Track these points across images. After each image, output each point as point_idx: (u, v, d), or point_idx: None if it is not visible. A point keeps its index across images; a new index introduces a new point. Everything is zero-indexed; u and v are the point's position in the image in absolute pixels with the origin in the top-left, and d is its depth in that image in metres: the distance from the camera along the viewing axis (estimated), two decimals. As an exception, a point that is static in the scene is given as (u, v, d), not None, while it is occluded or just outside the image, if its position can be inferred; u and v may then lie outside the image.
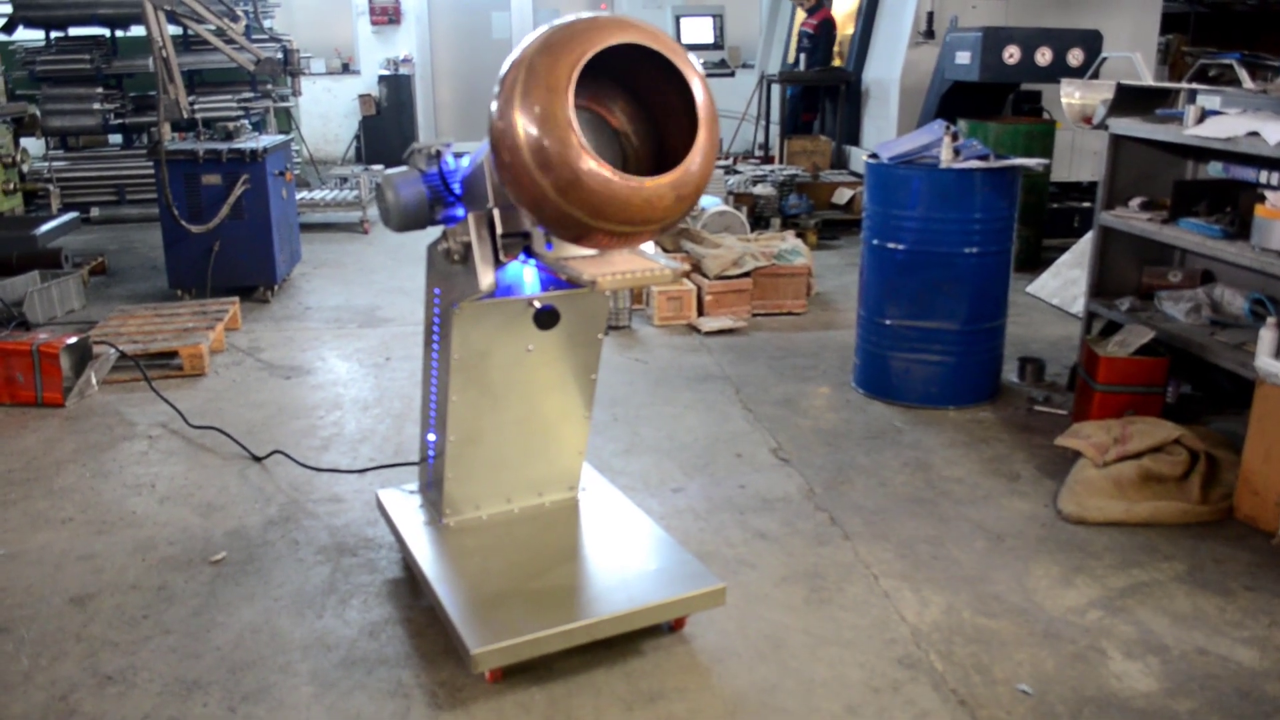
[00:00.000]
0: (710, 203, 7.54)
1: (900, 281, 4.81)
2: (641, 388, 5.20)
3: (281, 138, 7.33)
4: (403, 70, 13.85)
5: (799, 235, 8.22)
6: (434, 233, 2.87)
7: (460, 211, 2.80)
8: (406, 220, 2.81)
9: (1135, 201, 4.79)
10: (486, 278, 2.59)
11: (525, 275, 2.88)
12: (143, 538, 3.75)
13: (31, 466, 4.39)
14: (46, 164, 10.32)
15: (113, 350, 5.32)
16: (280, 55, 6.94)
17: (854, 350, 5.18)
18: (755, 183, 8.76)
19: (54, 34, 10.00)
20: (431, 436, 3.27)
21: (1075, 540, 3.61)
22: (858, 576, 3.36)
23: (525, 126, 2.16)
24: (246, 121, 7.26)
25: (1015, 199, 4.82)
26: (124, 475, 4.28)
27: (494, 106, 2.25)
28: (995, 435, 4.54)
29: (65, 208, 10.04)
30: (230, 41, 6.19)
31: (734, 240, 6.90)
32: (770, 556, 3.50)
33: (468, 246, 2.60)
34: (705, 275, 6.46)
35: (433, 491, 3.37)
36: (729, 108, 11.43)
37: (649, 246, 2.71)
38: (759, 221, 8.45)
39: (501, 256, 2.60)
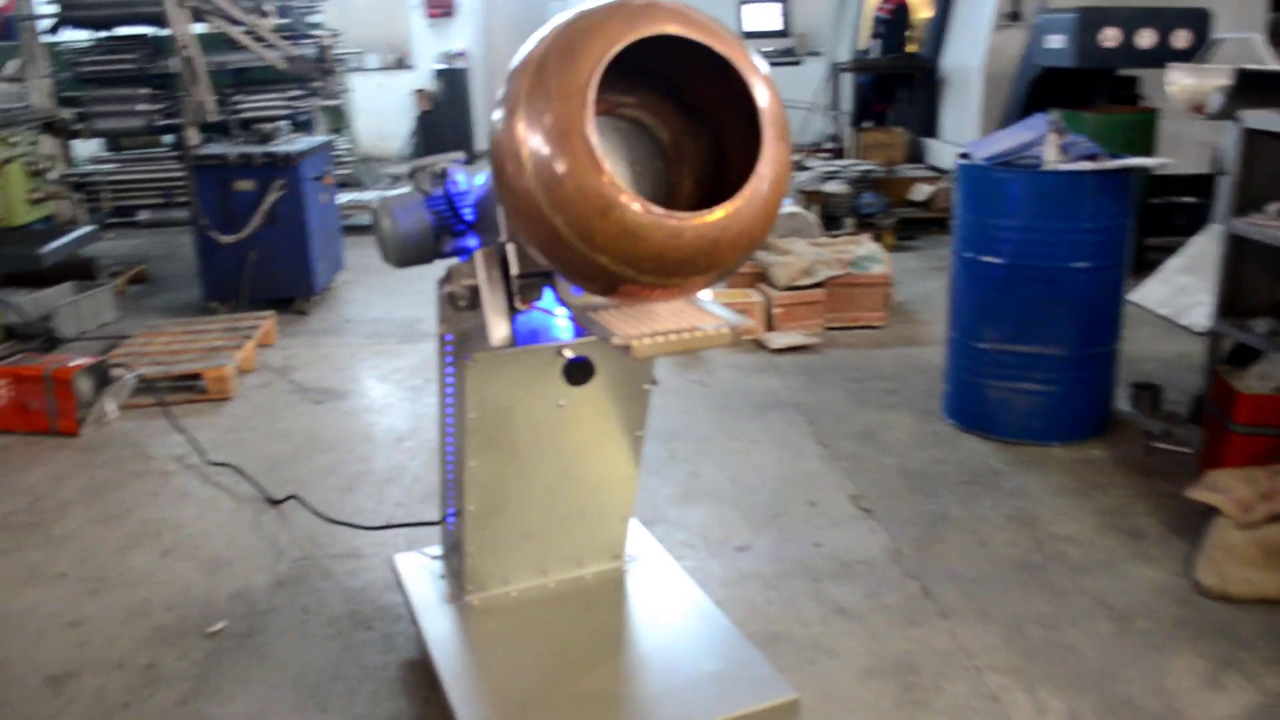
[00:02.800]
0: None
1: (997, 300, 4.22)
2: (702, 417, 4.67)
3: (321, 139, 6.93)
4: (458, 64, 13.44)
5: (875, 236, 7.62)
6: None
7: (473, 243, 2.30)
8: (406, 254, 2.32)
9: (1274, 207, 4.12)
10: (499, 330, 2.08)
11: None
12: (138, 600, 3.33)
13: (34, 508, 4.01)
14: (92, 167, 10.10)
15: (129, 375, 4.93)
16: (315, 52, 6.52)
17: (942, 375, 4.59)
18: (826, 179, 8.16)
19: (100, 34, 9.73)
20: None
21: (1220, 623, 3.00)
22: (958, 670, 2.81)
23: (532, 144, 1.65)
24: (284, 123, 6.84)
25: (1129, 205, 4.20)
26: (129, 521, 3.87)
27: (496, 117, 1.74)
28: (1110, 480, 3.93)
29: (114, 211, 9.84)
30: (260, 39, 5.77)
31: (804, 245, 6.32)
32: (852, 640, 2.95)
33: (475, 290, 2.10)
34: (773, 285, 5.90)
35: (454, 560, 2.89)
36: (795, 97, 10.81)
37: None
38: (830, 221, 7.85)
39: (518, 303, 2.09)
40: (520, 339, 2.27)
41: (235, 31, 5.59)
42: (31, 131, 6.38)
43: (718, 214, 1.68)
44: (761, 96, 1.77)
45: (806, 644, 2.94)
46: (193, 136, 5.90)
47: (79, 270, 6.86)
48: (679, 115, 2.04)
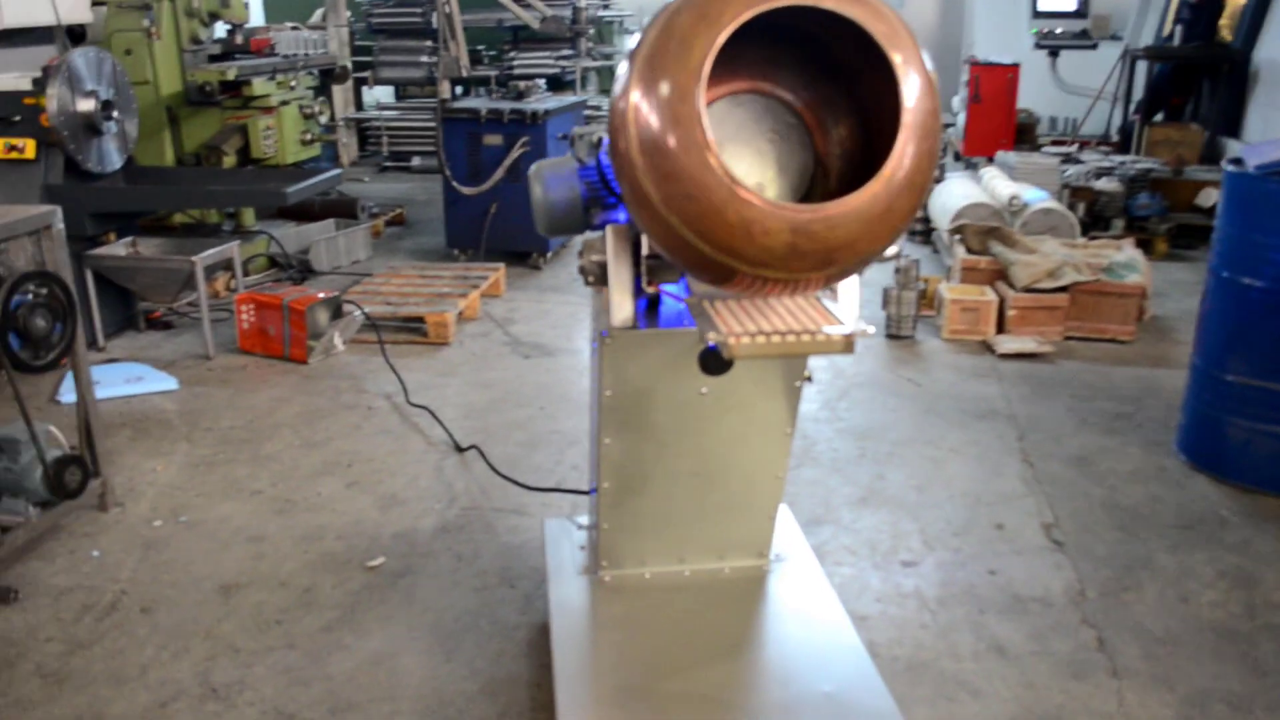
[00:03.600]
0: (1036, 197, 6.45)
1: (1254, 327, 3.70)
2: (905, 417, 4.41)
3: (573, 99, 7.05)
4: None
5: (1144, 242, 6.93)
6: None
7: (623, 216, 2.22)
8: (555, 223, 2.27)
9: None
10: (621, 310, 2.00)
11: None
12: (315, 525, 3.52)
13: (252, 426, 4.34)
14: (376, 113, 10.79)
15: (356, 313, 5.22)
16: (568, 14, 6.60)
17: (1181, 404, 4.09)
18: (1099, 175, 7.49)
19: (395, -15, 10.36)
20: (596, 474, 2.75)
21: None
22: (1118, 740, 2.49)
23: (643, 112, 1.54)
24: (540, 81, 7.01)
25: None
26: (328, 449, 4.11)
27: (618, 79, 1.65)
28: (1365, 550, 3.38)
29: (390, 156, 10.49)
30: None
31: (1055, 245, 5.83)
32: (1002, 683, 2.68)
33: (603, 267, 2.02)
34: (1012, 286, 5.48)
35: (594, 533, 2.86)
36: (1084, 84, 9.99)
37: (851, 285, 2.01)
38: (1098, 221, 7.21)
39: (645, 285, 2.00)
40: (665, 321, 2.19)
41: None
42: (310, 77, 6.85)
43: (832, 211, 1.51)
44: (910, 92, 1.58)
45: (951, 679, 2.70)
46: (445, 90, 6.14)
47: (344, 209, 7.35)
48: (837, 101, 1.87)
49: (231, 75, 6.17)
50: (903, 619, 2.97)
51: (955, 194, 6.64)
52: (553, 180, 2.25)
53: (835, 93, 1.86)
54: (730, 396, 2.48)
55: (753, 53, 1.87)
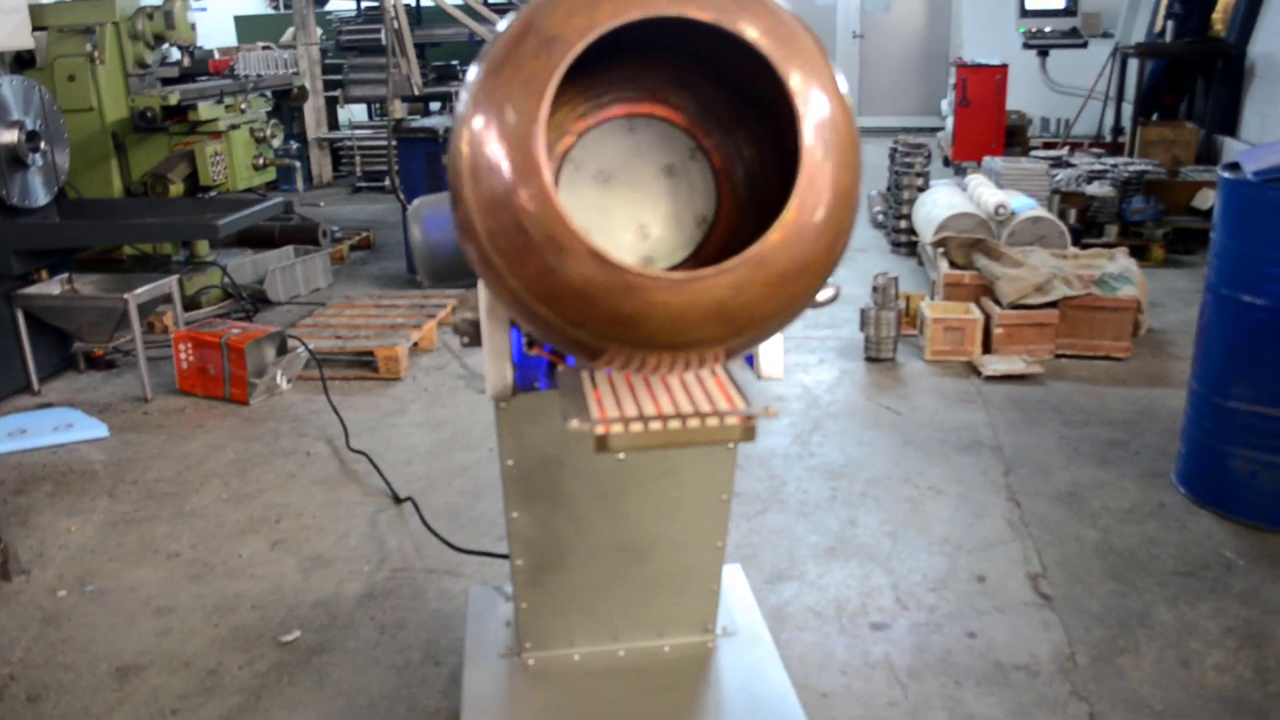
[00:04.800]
0: (1024, 205, 6.13)
1: (1256, 350, 3.38)
2: (882, 451, 4.09)
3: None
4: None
5: (1139, 249, 6.63)
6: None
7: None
8: (437, 269, 1.96)
9: None
10: (499, 378, 1.69)
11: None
12: (230, 594, 3.21)
13: (181, 477, 4.03)
14: (347, 132, 10.51)
15: (300, 350, 4.92)
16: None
17: (1180, 432, 3.77)
18: (1091, 179, 7.17)
19: (364, 4, 10.09)
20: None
21: None
22: (1111, 845, 2.17)
23: (477, 151, 1.24)
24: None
25: None
26: (257, 502, 3.80)
27: (456, 110, 1.34)
28: (1387, 596, 3.05)
29: (364, 175, 10.21)
30: (471, 12, 5.63)
31: (1044, 256, 5.51)
32: (980, 775, 2.37)
33: (477, 327, 1.71)
34: (998, 302, 5.16)
35: (517, 609, 2.55)
36: (1075, 84, 9.69)
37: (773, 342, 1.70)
38: (1090, 228, 6.89)
39: (526, 348, 1.69)
40: (546, 384, 1.88)
41: (447, 5, 5.45)
42: (263, 99, 6.56)
43: (724, 274, 1.20)
44: (815, 117, 1.27)
45: (921, 771, 2.39)
46: (397, 109, 5.85)
47: (305, 235, 7.06)
48: (749, 127, 1.56)
49: (174, 100, 5.88)
50: (869, 695, 2.65)
51: (940, 203, 6.33)
52: (432, 221, 1.95)
53: (745, 116, 1.56)
54: (656, 461, 2.17)
55: (658, 68, 1.57)
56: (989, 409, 4.47)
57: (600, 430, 1.32)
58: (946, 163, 9.61)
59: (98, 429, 4.48)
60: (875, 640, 2.88)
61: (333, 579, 3.27)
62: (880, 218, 7.91)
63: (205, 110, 6.04)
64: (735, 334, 1.29)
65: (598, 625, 2.44)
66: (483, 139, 1.22)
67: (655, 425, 1.34)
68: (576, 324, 1.20)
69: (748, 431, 1.35)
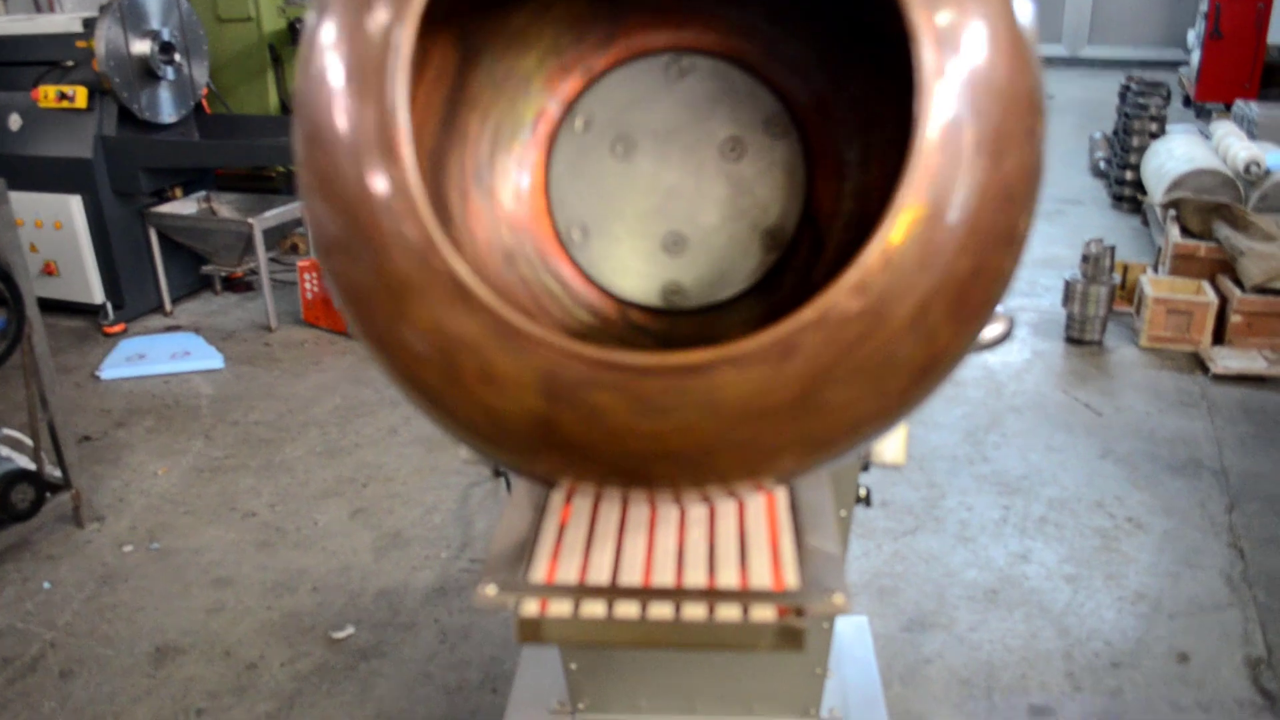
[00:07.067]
0: (1277, 160, 5.09)
1: None
2: (1072, 462, 3.37)
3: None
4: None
5: None
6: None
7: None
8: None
9: None
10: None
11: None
12: (295, 569, 2.89)
13: (281, 422, 3.76)
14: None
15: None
16: None
17: None
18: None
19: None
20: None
21: None
22: None
23: (309, 110, 0.72)
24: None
25: None
26: (349, 460, 3.47)
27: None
28: None
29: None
30: None
31: (1305, 228, 4.53)
32: None
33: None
34: (1239, 283, 4.26)
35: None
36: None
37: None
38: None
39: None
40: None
41: None
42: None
43: (733, 350, 0.65)
44: (950, 51, 0.68)
45: None
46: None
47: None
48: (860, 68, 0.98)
49: (327, 10, 5.56)
50: (1017, 811, 2.06)
51: (1176, 155, 5.34)
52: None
53: (870, 88, 0.97)
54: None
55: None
56: (1215, 418, 3.66)
57: (530, 609, 0.79)
58: (1188, 103, 8.37)
59: (213, 359, 4.27)
60: (1033, 731, 2.26)
61: (405, 564, 2.90)
62: (1102, 164, 6.87)
63: (360, 22, 5.70)
64: (773, 463, 0.73)
65: (669, 690, 1.95)
66: (321, 60, 0.70)
67: (627, 608, 0.80)
68: (467, 429, 0.68)
69: (788, 637, 0.80)
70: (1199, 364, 4.08)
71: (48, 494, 3.00)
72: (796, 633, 0.80)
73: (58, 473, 3.10)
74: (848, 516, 1.59)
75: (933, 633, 2.56)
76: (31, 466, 2.99)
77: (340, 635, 2.61)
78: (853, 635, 2.17)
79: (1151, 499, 3.15)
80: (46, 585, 2.87)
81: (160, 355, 4.31)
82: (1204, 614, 2.62)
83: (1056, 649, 2.50)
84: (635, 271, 0.97)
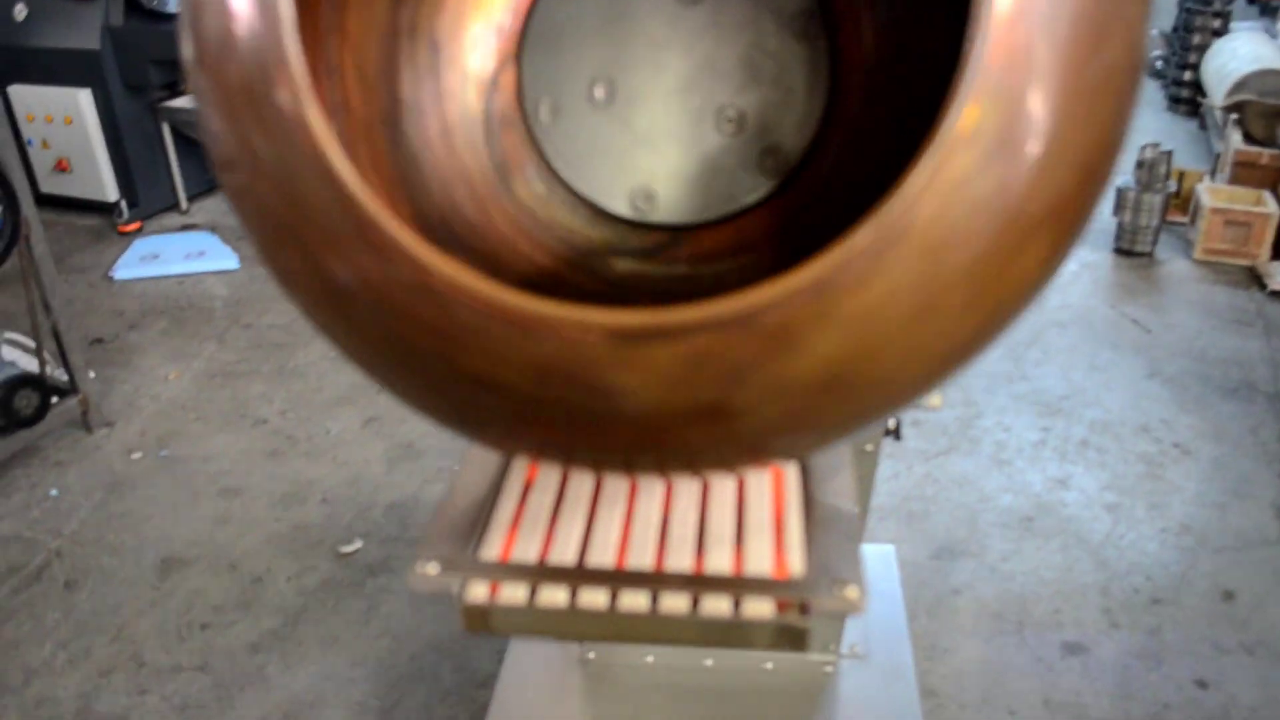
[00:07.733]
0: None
1: None
2: (1118, 382, 3.21)
3: None
4: None
5: None
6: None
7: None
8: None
9: None
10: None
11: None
12: (304, 480, 2.82)
13: (295, 325, 3.65)
14: None
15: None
16: None
17: None
18: None
19: None
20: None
21: None
22: None
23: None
24: None
25: None
26: (365, 367, 3.37)
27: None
28: None
29: None
30: None
31: (1378, 135, 4.25)
32: None
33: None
34: (1303, 191, 4.02)
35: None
36: None
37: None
38: None
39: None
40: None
41: None
42: None
43: (716, 309, 0.51)
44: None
45: None
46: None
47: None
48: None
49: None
50: (1044, 754, 1.96)
51: (1240, 55, 5.02)
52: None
53: None
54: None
55: None
56: (1271, 337, 3.47)
57: (477, 593, 0.66)
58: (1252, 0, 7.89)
59: (228, 260, 4.17)
60: (1066, 669, 2.15)
61: (417, 475, 2.81)
62: (1159, 64, 6.51)
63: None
64: (771, 440, 0.59)
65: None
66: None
67: (594, 596, 0.67)
68: (395, 385, 0.55)
69: (787, 637, 0.67)
70: (1256, 279, 3.86)
71: (53, 399, 2.93)
72: (798, 633, 0.67)
73: (65, 376, 3.02)
74: (874, 451, 1.46)
75: (963, 561, 2.45)
76: (36, 371, 2.91)
77: (349, 550, 2.54)
78: (879, 565, 2.06)
79: (1200, 423, 2.98)
80: (54, 493, 2.81)
81: (175, 255, 4.20)
82: (1252, 549, 2.48)
83: (1093, 582, 2.38)
84: (611, 194, 0.82)
